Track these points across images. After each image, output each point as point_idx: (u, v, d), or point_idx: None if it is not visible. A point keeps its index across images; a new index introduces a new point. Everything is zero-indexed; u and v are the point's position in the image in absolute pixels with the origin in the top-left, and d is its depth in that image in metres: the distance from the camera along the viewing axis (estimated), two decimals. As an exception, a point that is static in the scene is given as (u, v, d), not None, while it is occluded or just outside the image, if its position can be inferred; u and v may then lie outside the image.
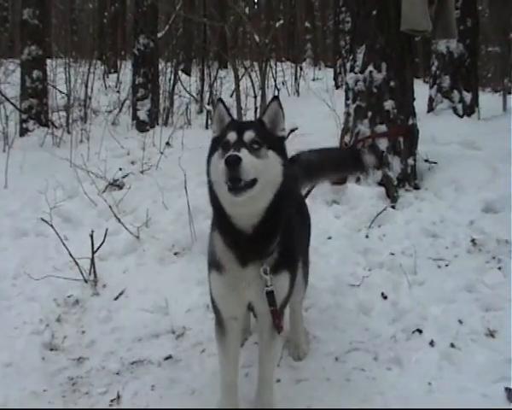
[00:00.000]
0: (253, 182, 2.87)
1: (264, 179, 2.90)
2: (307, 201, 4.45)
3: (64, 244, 5.44)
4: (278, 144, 3.10)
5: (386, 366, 4.00)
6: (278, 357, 3.73)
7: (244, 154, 2.85)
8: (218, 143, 3.07)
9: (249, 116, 10.46)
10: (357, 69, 6.62)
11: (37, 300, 5.06)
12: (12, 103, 11.64)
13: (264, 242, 3.11)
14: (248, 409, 3.51)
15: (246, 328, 4.32)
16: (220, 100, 3.31)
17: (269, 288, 3.15)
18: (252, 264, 3.14)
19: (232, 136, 3.01)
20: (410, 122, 6.52)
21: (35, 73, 11.69)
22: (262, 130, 3.09)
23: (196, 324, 4.65)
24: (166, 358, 4.30)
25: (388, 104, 6.40)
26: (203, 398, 3.81)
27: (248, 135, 2.99)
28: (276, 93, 12.63)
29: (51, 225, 5.56)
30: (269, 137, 3.08)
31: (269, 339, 3.45)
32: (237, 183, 2.81)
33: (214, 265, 3.27)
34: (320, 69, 24.82)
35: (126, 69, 17.29)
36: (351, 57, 6.84)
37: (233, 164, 2.78)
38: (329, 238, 5.59)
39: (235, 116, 3.77)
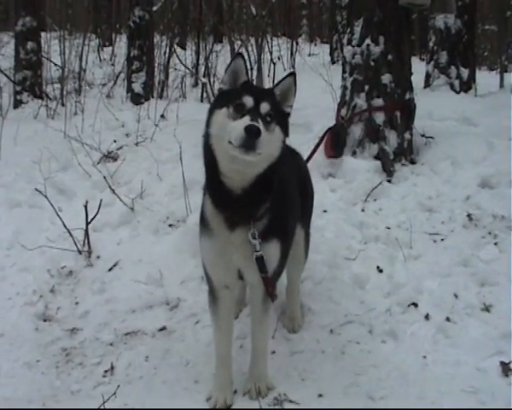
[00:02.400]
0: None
1: (265, 152, 2.91)
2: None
3: (58, 215, 5.39)
4: (283, 120, 3.12)
5: (381, 339, 4.00)
6: (271, 328, 3.74)
7: (261, 127, 2.85)
8: (228, 99, 3.03)
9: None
10: (354, 42, 6.54)
11: (30, 270, 5.04)
12: (6, 75, 11.58)
13: (252, 204, 3.12)
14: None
15: (240, 299, 4.32)
16: (241, 55, 3.25)
17: (258, 253, 3.16)
18: (240, 228, 3.15)
19: (249, 101, 2.99)
20: (407, 96, 6.46)
21: (29, 45, 11.62)
22: (274, 103, 3.09)
23: (191, 295, 4.64)
24: (160, 329, 4.30)
25: (386, 78, 6.33)
26: (197, 369, 3.82)
27: (265, 106, 3.00)
28: (272, 67, 12.58)
29: (45, 196, 5.51)
30: (278, 110, 3.10)
31: (261, 310, 3.46)
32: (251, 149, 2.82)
33: (204, 229, 3.30)
34: (316, 45, 24.78)
35: (121, 42, 17.15)
36: (348, 30, 6.76)
37: (254, 136, 2.80)
38: (325, 211, 5.56)
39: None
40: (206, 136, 3.05)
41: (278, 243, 3.29)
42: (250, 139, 2.79)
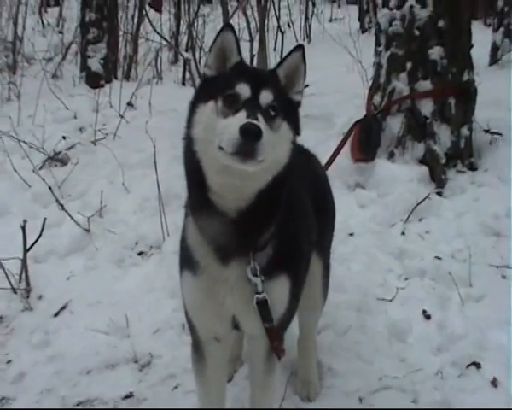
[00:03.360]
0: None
1: (270, 158, 2.81)
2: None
3: (-16, 240, 5.42)
4: (292, 112, 3.04)
5: (430, 413, 4.01)
6: (277, 395, 3.67)
7: (262, 125, 2.73)
8: (215, 89, 2.92)
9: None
10: (392, 3, 6.59)
11: None
12: None
13: (252, 231, 3.01)
14: None
15: (235, 356, 4.31)
16: (229, 25, 3.16)
17: (260, 296, 3.06)
18: (235, 261, 3.05)
19: (244, 90, 2.88)
20: (466, 78, 6.51)
21: None
22: (278, 90, 3.00)
23: (167, 350, 4.64)
24: (126, 396, 4.29)
25: (435, 52, 6.38)
26: (177, 452, 3.82)
27: (266, 96, 2.89)
28: (280, 38, 12.62)
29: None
30: (284, 100, 3.00)
31: (264, 371, 3.41)
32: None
33: (187, 263, 3.22)
34: (340, 7, 24.86)
35: (72, 1, 17.25)
36: (385, -14, 6.83)
37: (253, 138, 2.67)
38: (351, 235, 5.60)
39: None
40: (188, 139, 2.95)
41: (287, 281, 3.18)
42: (248, 143, 2.66)
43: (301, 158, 3.82)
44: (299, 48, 3.11)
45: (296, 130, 3.02)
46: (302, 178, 3.52)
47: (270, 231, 3.06)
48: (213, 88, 2.93)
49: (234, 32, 3.11)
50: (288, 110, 2.97)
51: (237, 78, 2.93)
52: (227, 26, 3.12)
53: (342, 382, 4.22)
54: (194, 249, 3.15)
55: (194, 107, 2.95)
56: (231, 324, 3.26)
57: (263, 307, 3.08)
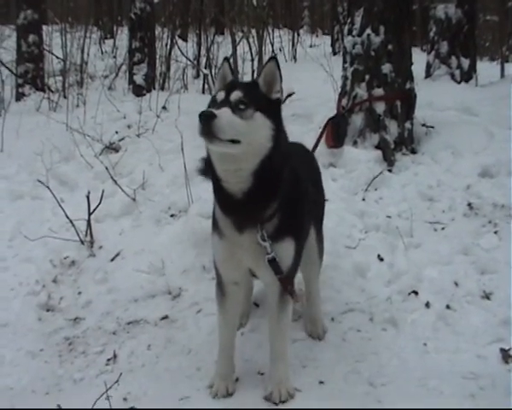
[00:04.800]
0: (234, 143, 2.81)
1: (246, 141, 2.83)
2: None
3: (60, 205, 5.40)
4: (271, 107, 2.98)
5: (382, 327, 4.02)
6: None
7: (223, 111, 2.79)
8: (211, 100, 3.03)
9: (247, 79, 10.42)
10: (354, 32, 6.52)
11: (33, 261, 5.07)
12: (8, 68, 11.57)
13: (257, 208, 3.03)
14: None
15: (244, 311, 4.12)
16: (226, 59, 3.25)
17: (269, 255, 3.08)
18: (248, 230, 3.07)
19: (220, 94, 2.96)
20: (408, 86, 6.45)
21: (31, 38, 11.61)
22: (253, 91, 2.98)
23: (192, 284, 4.65)
24: (162, 318, 4.32)
25: (386, 68, 6.32)
26: (199, 357, 3.83)
27: (235, 94, 2.90)
28: (274, 58, 12.57)
29: (47, 187, 5.53)
30: (260, 98, 2.97)
31: (279, 310, 3.33)
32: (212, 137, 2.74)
33: (215, 228, 3.24)
34: (317, 36, 24.71)
35: (122, 35, 17.16)
36: (348, 20, 6.74)
37: (205, 119, 2.72)
38: (326, 200, 5.57)
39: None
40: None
41: (290, 243, 3.19)
42: (204, 124, 2.71)
43: (300, 150, 4.01)
44: (273, 59, 3.08)
45: (275, 120, 2.96)
46: (301, 165, 3.46)
47: (275, 206, 3.05)
48: (211, 100, 3.03)
49: (229, 63, 3.24)
50: (264, 105, 2.94)
51: (221, 88, 3.05)
52: (224, 60, 3.26)
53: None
54: (219, 220, 3.19)
55: None
56: (248, 273, 3.32)
57: (273, 263, 3.11)
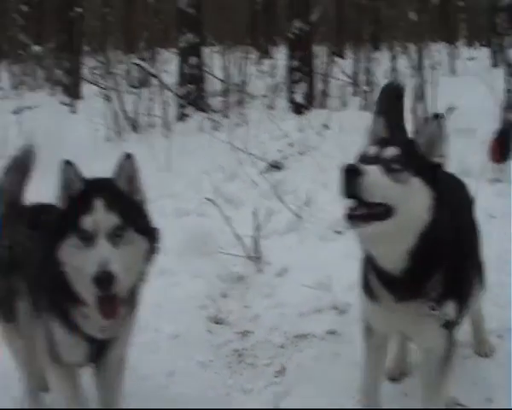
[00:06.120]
0: (387, 212, 2.49)
1: (403, 211, 2.50)
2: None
3: (228, 223, 5.67)
4: (429, 173, 2.60)
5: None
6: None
7: (373, 169, 2.48)
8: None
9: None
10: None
11: (202, 276, 5.30)
12: (171, 90, 12.17)
13: (419, 282, 2.71)
14: None
15: (400, 359, 3.88)
16: (379, 113, 3.12)
17: (442, 321, 2.78)
18: (408, 301, 2.76)
19: (372, 149, 2.67)
20: None
21: (192, 60, 12.20)
22: (411, 150, 2.63)
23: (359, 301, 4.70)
24: (329, 332, 4.40)
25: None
26: (366, 372, 3.87)
27: (390, 151, 2.59)
28: (432, 73, 12.46)
29: (217, 205, 5.80)
30: (419, 160, 2.60)
31: (438, 375, 2.99)
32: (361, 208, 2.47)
33: (366, 288, 3.02)
34: (475, 49, 24.10)
35: (279, 54, 17.48)
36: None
37: (349, 175, 2.43)
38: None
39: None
40: None
41: (456, 306, 2.85)
42: (349, 181, 2.42)
43: (454, 185, 3.43)
44: (437, 117, 2.71)
45: (434, 187, 2.58)
46: (457, 212, 2.98)
47: (437, 277, 2.74)
48: (360, 154, 2.77)
49: (384, 119, 2.95)
50: (423, 170, 2.57)
51: (372, 143, 2.80)
52: (377, 115, 3.10)
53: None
54: (372, 283, 2.93)
55: None
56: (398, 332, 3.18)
57: (446, 325, 2.82)
